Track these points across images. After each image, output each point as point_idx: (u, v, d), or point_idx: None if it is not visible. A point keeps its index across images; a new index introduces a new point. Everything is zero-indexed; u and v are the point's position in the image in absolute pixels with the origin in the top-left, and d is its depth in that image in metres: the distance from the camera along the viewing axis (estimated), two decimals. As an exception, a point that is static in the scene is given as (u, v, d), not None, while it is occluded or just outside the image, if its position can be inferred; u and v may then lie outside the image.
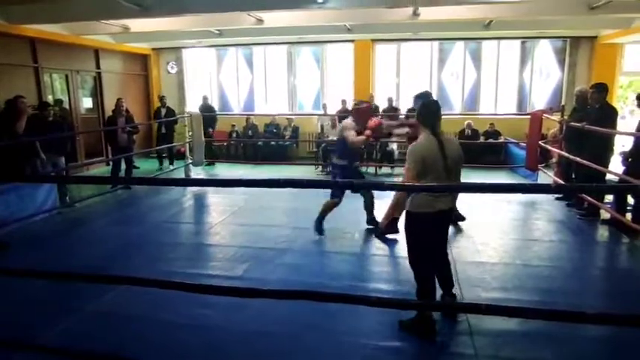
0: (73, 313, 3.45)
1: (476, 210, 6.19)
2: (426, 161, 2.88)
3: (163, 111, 10.68)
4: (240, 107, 12.76)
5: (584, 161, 5.56)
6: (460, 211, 5.44)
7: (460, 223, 5.48)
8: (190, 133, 9.07)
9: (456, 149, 3.02)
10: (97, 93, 11.02)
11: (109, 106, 8.82)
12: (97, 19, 8.61)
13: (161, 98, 10.99)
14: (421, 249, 3.07)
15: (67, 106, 9.98)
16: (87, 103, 10.93)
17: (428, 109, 3.06)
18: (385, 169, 9.81)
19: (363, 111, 4.99)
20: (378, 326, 3.20)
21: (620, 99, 11.51)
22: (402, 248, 4.75)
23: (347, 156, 5.00)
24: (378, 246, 4.88)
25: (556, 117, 7.24)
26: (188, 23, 9.28)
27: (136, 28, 9.51)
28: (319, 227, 5.17)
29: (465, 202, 6.38)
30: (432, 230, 3.04)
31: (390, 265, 4.47)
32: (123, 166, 8.23)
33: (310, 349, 3.00)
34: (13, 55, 8.74)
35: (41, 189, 6.08)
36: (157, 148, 10.77)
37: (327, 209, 5.12)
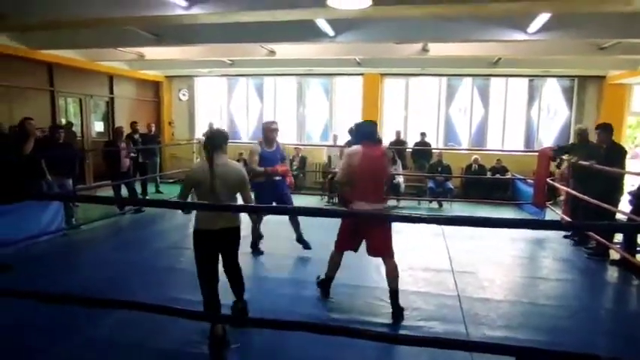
0: (71, 337, 3.40)
1: (482, 246, 6.13)
2: (195, 182, 3.34)
3: (137, 138, 9.48)
4: (249, 136, 12.87)
5: (593, 200, 5.51)
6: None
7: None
8: (198, 160, 9.12)
9: (232, 173, 3.38)
10: (109, 117, 11.21)
11: (120, 130, 8.98)
12: (114, 46, 8.83)
13: (132, 124, 9.72)
14: (199, 263, 3.37)
15: (79, 130, 10.16)
16: (98, 127, 11.11)
17: (205, 139, 3.47)
18: (391, 202, 9.74)
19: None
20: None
21: (629, 139, 11.50)
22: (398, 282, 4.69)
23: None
24: (376, 279, 4.79)
25: (565, 156, 7.24)
26: (201, 53, 9.48)
27: (150, 55, 9.74)
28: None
29: (470, 237, 6.35)
30: (206, 246, 3.36)
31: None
32: (124, 191, 8.27)
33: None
34: (31, 78, 8.97)
35: (48, 210, 6.12)
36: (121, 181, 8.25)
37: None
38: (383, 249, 3.90)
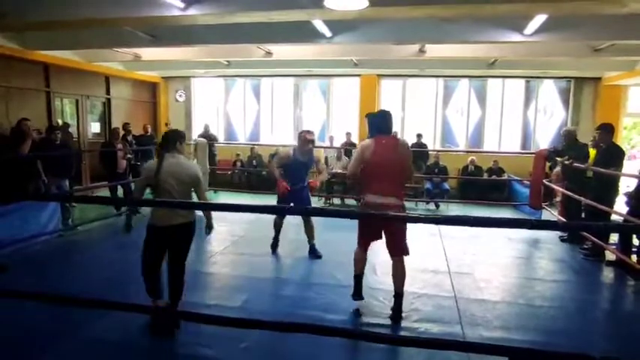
0: (66, 338, 3.39)
1: (478, 247, 6.15)
2: (148, 180, 3.46)
3: (130, 139, 9.06)
4: (246, 137, 12.88)
5: (589, 201, 5.53)
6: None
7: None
8: (195, 161, 9.11)
9: (183, 171, 3.45)
10: (106, 118, 11.18)
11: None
12: (110, 47, 8.80)
13: (124, 125, 9.14)
14: (146, 255, 3.53)
15: (76, 131, 10.12)
16: (95, 127, 11.08)
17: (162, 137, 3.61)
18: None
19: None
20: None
21: (625, 140, 11.55)
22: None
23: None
24: (378, 280, 4.80)
25: (560, 158, 7.29)
26: (198, 54, 9.47)
27: (147, 56, 9.71)
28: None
29: (466, 238, 6.36)
30: (156, 241, 3.48)
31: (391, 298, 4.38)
32: (120, 192, 8.25)
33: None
34: (27, 79, 8.93)
35: (44, 211, 6.09)
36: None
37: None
38: (394, 247, 3.81)
